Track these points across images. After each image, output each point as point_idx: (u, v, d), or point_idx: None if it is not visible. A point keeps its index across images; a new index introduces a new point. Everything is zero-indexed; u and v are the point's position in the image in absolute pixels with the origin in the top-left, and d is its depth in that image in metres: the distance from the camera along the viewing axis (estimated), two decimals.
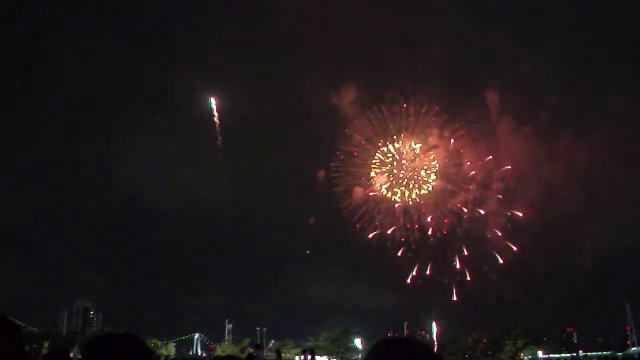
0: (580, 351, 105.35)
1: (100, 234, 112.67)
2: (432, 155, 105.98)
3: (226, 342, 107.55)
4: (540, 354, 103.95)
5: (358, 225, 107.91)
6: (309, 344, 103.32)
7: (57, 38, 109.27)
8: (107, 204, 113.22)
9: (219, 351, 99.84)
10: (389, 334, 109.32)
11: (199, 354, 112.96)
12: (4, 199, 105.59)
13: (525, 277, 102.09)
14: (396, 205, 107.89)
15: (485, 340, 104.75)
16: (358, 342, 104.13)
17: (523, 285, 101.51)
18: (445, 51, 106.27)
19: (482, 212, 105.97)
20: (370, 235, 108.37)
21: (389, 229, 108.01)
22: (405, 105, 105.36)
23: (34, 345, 76.35)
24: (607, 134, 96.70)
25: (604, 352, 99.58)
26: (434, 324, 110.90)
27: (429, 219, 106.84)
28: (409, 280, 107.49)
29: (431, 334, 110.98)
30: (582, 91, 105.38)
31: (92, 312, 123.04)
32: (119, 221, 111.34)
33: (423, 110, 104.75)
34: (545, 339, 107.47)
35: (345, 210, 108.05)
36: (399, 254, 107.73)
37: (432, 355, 2.99)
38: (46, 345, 79.00)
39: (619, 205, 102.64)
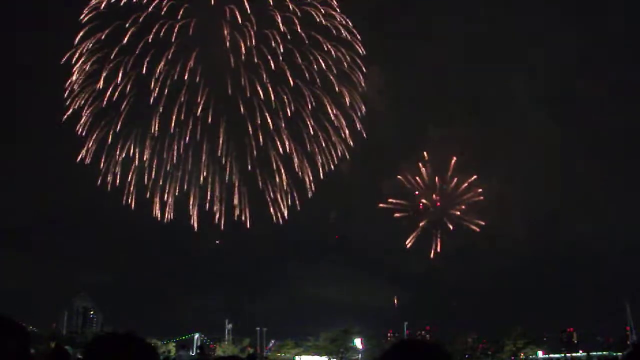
0: (580, 351, 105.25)
1: (100, 234, 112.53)
2: None
3: (226, 342, 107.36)
4: (540, 354, 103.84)
5: None
6: (308, 344, 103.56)
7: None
8: (108, 203, 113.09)
9: (219, 351, 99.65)
10: (389, 334, 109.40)
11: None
12: (4, 199, 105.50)
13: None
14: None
15: (485, 340, 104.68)
16: (358, 342, 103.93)
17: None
18: None
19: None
20: None
21: None
22: None
23: (40, 347, 76.11)
24: None
25: (604, 352, 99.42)
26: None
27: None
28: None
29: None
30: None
31: (92, 312, 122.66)
32: (119, 221, 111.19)
33: None
34: (545, 339, 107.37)
35: None
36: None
37: (448, 358, 2.99)
38: (52, 345, 78.77)
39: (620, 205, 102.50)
